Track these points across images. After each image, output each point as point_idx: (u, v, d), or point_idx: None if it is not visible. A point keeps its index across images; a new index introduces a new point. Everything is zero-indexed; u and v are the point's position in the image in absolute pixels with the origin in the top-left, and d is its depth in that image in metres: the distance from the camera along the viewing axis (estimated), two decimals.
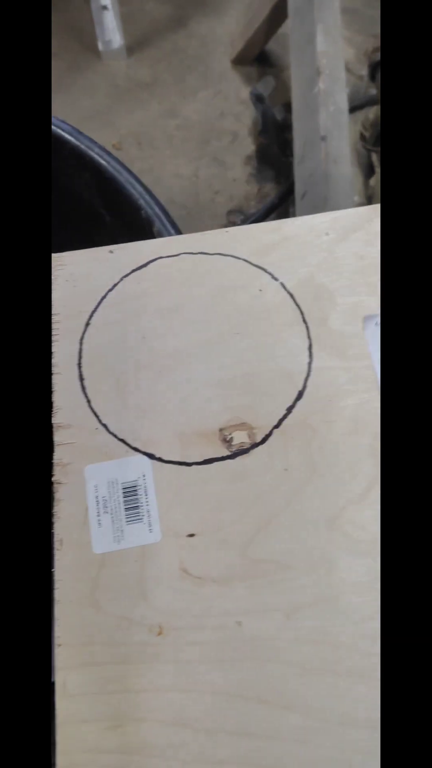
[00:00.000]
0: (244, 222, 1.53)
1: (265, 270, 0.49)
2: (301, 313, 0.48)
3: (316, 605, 0.41)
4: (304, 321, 0.47)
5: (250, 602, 0.41)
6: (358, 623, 0.41)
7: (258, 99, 1.59)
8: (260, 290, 0.49)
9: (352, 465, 0.44)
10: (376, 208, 0.51)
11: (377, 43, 1.53)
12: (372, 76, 1.49)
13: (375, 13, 1.69)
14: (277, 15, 1.46)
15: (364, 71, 1.62)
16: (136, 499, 0.43)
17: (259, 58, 1.73)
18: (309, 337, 0.47)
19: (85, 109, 1.64)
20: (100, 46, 1.69)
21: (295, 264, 0.49)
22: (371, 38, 1.66)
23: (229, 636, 0.41)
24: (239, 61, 1.72)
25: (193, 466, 0.44)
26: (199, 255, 0.50)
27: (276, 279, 0.49)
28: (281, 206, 1.53)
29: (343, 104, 1.03)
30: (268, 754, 0.39)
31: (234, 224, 1.53)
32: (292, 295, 0.48)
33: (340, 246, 0.50)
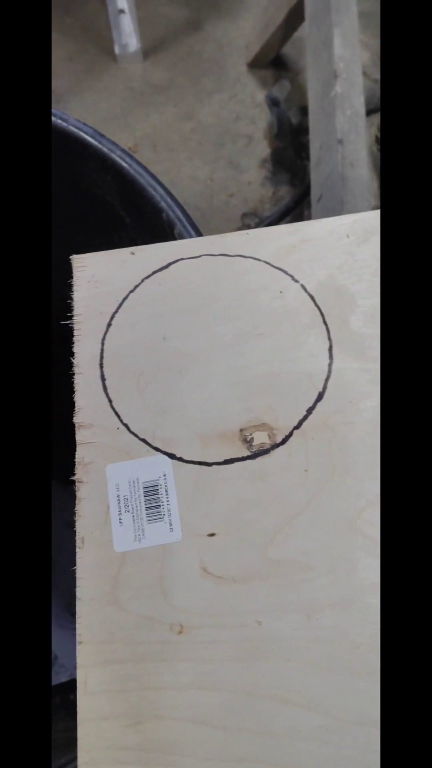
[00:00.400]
0: (258, 225, 1.53)
1: (285, 272, 0.49)
2: (322, 314, 0.48)
3: (335, 606, 0.41)
4: (325, 323, 0.48)
5: (270, 602, 0.42)
6: (377, 624, 0.41)
7: (273, 102, 1.60)
8: (281, 292, 0.49)
9: (371, 466, 0.44)
10: None
11: None
12: None
13: None
14: (293, 19, 1.46)
15: (379, 75, 1.62)
16: (157, 498, 0.44)
17: (274, 62, 1.73)
18: (329, 339, 0.47)
19: (102, 112, 1.65)
20: (117, 50, 1.70)
21: (316, 266, 0.49)
22: None
23: (249, 635, 0.41)
24: (255, 64, 1.73)
25: (214, 466, 0.45)
26: (219, 257, 0.50)
27: (297, 281, 0.49)
28: (296, 209, 1.53)
29: (360, 108, 1.03)
30: (287, 753, 0.39)
31: (248, 227, 1.54)
32: (312, 297, 0.48)
33: (361, 248, 0.50)
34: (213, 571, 0.42)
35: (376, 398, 0.46)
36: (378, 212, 0.51)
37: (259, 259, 0.50)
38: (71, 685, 0.57)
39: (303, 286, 0.49)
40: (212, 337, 0.48)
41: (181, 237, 0.54)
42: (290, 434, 0.45)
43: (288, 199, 1.53)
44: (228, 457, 0.45)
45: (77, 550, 0.43)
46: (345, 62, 1.03)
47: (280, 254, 0.50)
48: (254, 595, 0.42)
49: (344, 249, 0.50)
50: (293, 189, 1.58)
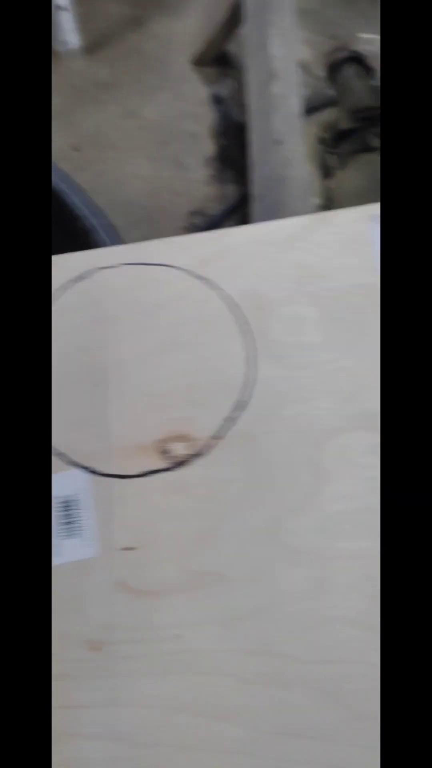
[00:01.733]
0: (205, 223, 1.53)
1: (206, 280, 0.49)
2: (242, 323, 0.48)
3: (255, 616, 0.41)
4: (246, 332, 0.47)
5: (189, 615, 0.41)
6: (297, 633, 0.41)
7: (218, 100, 1.59)
8: (201, 301, 0.48)
9: (292, 475, 0.44)
10: (317, 218, 0.51)
11: (336, 43, 1.54)
12: (330, 78, 1.49)
13: (333, 13, 1.70)
14: (236, 16, 1.46)
15: (323, 72, 1.62)
16: (72, 513, 0.43)
17: (218, 59, 1.73)
18: (250, 348, 0.47)
19: None
20: (57, 47, 1.67)
21: (237, 274, 0.49)
22: (329, 39, 1.66)
23: (167, 649, 0.41)
24: (199, 61, 1.72)
25: (132, 479, 0.44)
26: (139, 266, 0.49)
27: (217, 289, 0.49)
28: (242, 208, 1.53)
29: (298, 108, 1.03)
30: (208, 767, 0.39)
31: (195, 225, 1.53)
32: (233, 306, 0.48)
33: (282, 256, 0.49)
34: (131, 585, 0.42)
35: (297, 406, 0.46)
36: (297, 219, 0.51)
37: (179, 268, 0.49)
38: None
39: (223, 295, 0.48)
40: (131, 348, 0.47)
41: (101, 245, 0.53)
42: (210, 444, 0.45)
43: (232, 198, 1.53)
44: (146, 470, 0.44)
45: None
46: (282, 62, 1.03)
47: (201, 262, 0.49)
48: (173, 609, 0.41)
49: (266, 256, 0.50)
50: (239, 187, 1.57)
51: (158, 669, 0.40)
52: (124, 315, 0.48)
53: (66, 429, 0.45)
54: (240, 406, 0.46)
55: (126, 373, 0.46)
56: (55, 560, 0.42)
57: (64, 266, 0.49)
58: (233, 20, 1.52)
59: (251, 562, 0.42)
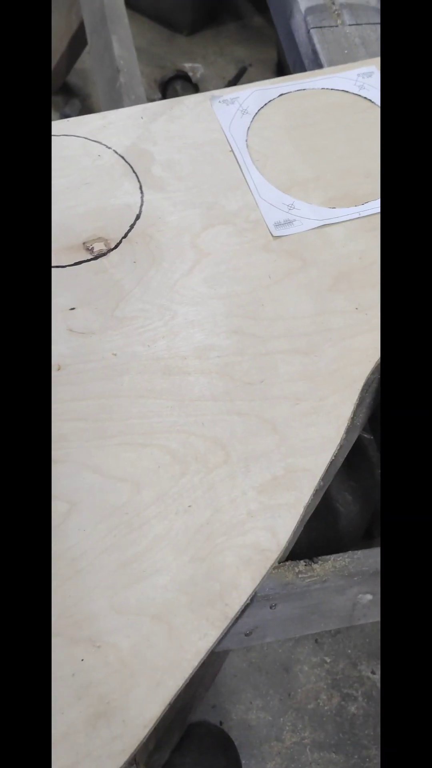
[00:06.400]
0: None
1: (100, 143, 0.68)
2: (131, 167, 0.67)
3: (166, 337, 0.59)
4: (134, 171, 0.67)
5: (119, 342, 0.59)
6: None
7: (65, 116, 1.80)
8: (99, 155, 0.67)
9: (179, 254, 0.63)
10: (172, 102, 0.72)
11: (163, 72, 1.79)
12: (163, 92, 1.74)
13: (159, 50, 1.95)
14: (75, 45, 1.68)
15: (158, 95, 1.86)
16: None
17: (62, 90, 1.94)
18: (138, 181, 0.66)
19: None
20: None
21: (122, 138, 0.69)
22: (157, 68, 1.92)
23: (105, 363, 0.58)
24: None
25: (67, 267, 0.62)
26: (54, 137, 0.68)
27: (109, 147, 0.68)
28: None
29: (142, 94, 1.25)
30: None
31: None
32: (122, 157, 0.68)
33: (152, 125, 0.70)
34: (77, 330, 0.59)
35: (176, 214, 0.65)
36: (161, 102, 0.72)
37: (78, 136, 0.68)
38: None
39: (114, 151, 0.68)
40: (58, 187, 0.65)
41: None
42: (120, 242, 0.63)
43: None
44: (77, 261, 0.62)
45: None
46: (125, 60, 1.25)
47: (93, 132, 0.69)
48: (108, 339, 0.59)
49: (140, 125, 0.70)
50: None
51: (104, 375, 0.57)
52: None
53: None
54: (137, 217, 0.65)
55: (53, 202, 0.64)
56: None
57: None
58: (72, 50, 1.74)
59: (156, 306, 0.61)
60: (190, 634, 0.49)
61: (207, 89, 1.27)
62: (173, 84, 1.78)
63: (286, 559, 0.58)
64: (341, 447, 0.57)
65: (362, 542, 0.95)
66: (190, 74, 1.80)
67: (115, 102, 1.26)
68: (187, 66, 1.83)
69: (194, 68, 1.84)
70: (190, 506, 0.53)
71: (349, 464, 0.89)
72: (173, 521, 0.52)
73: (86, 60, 1.84)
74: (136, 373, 0.58)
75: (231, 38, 2.03)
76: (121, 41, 1.31)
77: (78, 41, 1.69)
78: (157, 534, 0.52)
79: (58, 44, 1.78)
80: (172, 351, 0.59)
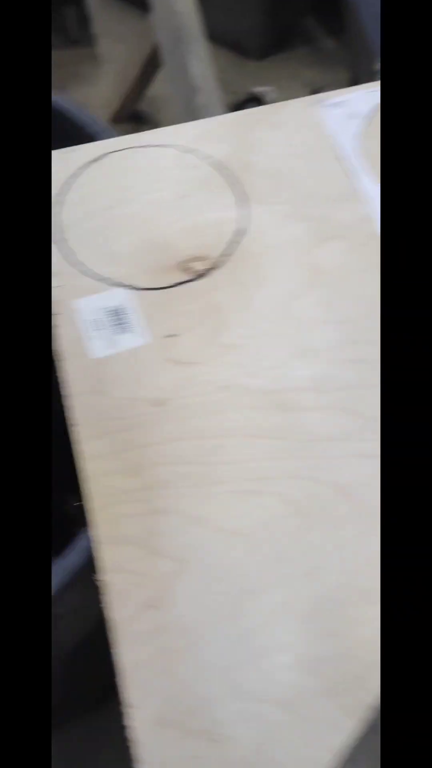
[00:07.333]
0: None
1: (195, 153, 0.62)
2: (230, 178, 0.60)
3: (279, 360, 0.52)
4: (233, 183, 0.60)
5: (224, 374, 0.51)
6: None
7: None
8: (194, 167, 0.61)
9: (287, 273, 0.56)
10: (272, 108, 0.66)
11: (235, 97, 1.75)
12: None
13: (228, 76, 1.91)
14: (148, 71, 1.65)
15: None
16: (121, 317, 0.53)
17: (133, 117, 1.92)
18: (239, 193, 0.60)
19: None
20: None
21: (218, 147, 0.62)
22: (229, 94, 1.88)
23: (211, 398, 0.50)
24: (116, 119, 1.90)
25: (165, 290, 0.55)
26: (142, 148, 0.62)
27: (206, 158, 0.62)
28: None
29: (221, 113, 1.20)
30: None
31: None
32: (221, 167, 0.61)
33: (251, 133, 0.63)
34: (178, 360, 0.52)
35: (282, 228, 0.58)
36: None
37: (171, 146, 0.62)
38: None
39: (211, 161, 0.61)
40: (152, 202, 0.59)
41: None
42: (220, 261, 0.56)
43: None
44: (175, 282, 0.55)
45: (62, 363, 0.51)
46: (202, 78, 1.20)
47: (187, 142, 0.62)
48: (211, 370, 0.51)
49: (238, 133, 0.63)
50: None
51: (207, 411, 0.50)
52: (136, 183, 0.60)
53: (108, 261, 0.55)
54: (240, 232, 0.58)
55: (149, 219, 0.58)
56: (112, 351, 0.52)
57: (86, 151, 0.61)
58: (144, 76, 1.71)
59: (268, 330, 0.53)
60: (320, 725, 0.41)
61: None
62: (246, 108, 1.72)
63: None
64: None
65: None
66: (263, 97, 1.76)
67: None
68: (259, 89, 1.80)
69: (266, 91, 1.80)
70: (316, 568, 0.44)
71: None
72: (297, 587, 0.44)
73: (157, 87, 1.81)
74: (245, 408, 0.50)
75: (302, 62, 1.98)
76: (198, 59, 1.26)
77: (151, 64, 1.66)
78: (279, 601, 0.43)
79: (132, 70, 1.75)
80: (285, 383, 0.51)
